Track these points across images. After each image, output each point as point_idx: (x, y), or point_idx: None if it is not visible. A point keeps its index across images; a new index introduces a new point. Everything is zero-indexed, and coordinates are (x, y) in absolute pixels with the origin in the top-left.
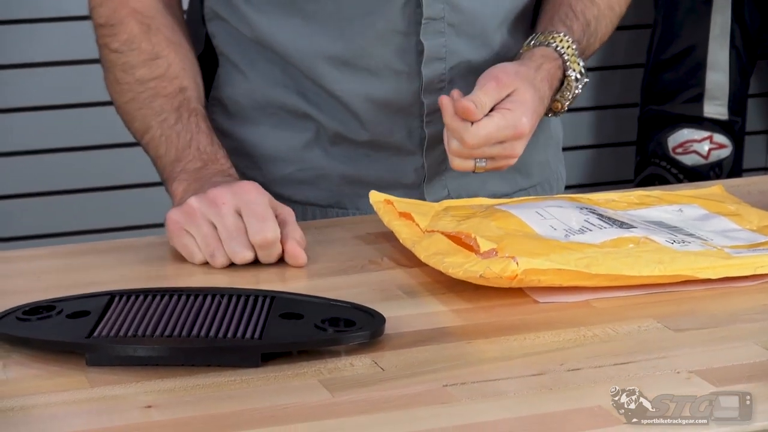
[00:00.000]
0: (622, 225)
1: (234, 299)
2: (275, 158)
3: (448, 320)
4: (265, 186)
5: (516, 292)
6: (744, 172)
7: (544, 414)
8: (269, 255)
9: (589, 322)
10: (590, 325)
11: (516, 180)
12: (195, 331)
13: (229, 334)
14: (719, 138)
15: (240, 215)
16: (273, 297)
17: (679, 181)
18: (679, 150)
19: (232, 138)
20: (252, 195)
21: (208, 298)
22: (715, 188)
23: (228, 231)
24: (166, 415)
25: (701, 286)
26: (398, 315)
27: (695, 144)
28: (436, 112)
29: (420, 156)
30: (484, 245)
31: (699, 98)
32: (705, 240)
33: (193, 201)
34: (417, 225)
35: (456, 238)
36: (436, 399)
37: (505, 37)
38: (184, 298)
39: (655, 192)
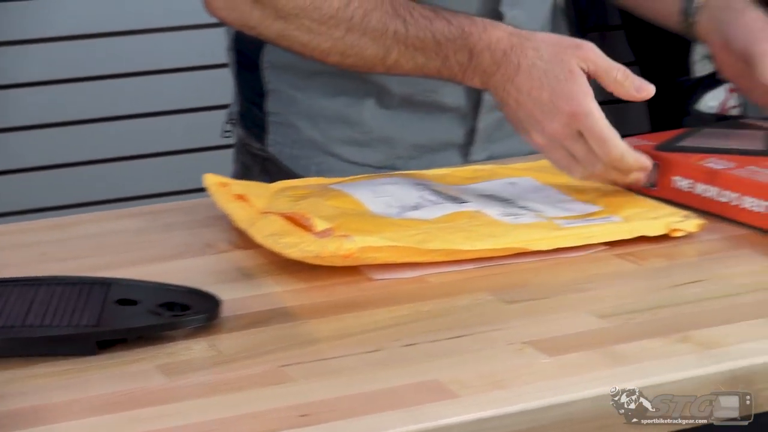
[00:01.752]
0: (456, 200)
1: (70, 287)
2: (334, 119)
3: (284, 300)
4: (323, 146)
5: (352, 270)
6: None
7: (381, 390)
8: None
9: (424, 297)
10: (425, 300)
11: None
12: (30, 321)
13: (65, 323)
14: None
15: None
16: (109, 284)
17: None
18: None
19: (289, 97)
20: (580, 114)
21: (44, 288)
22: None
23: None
24: (3, 407)
25: (534, 258)
26: (235, 297)
27: None
28: None
29: (472, 119)
30: (320, 225)
31: None
32: (537, 212)
33: (537, 138)
34: (252, 206)
35: (292, 219)
36: (273, 380)
37: None
38: (19, 287)
39: (488, 165)
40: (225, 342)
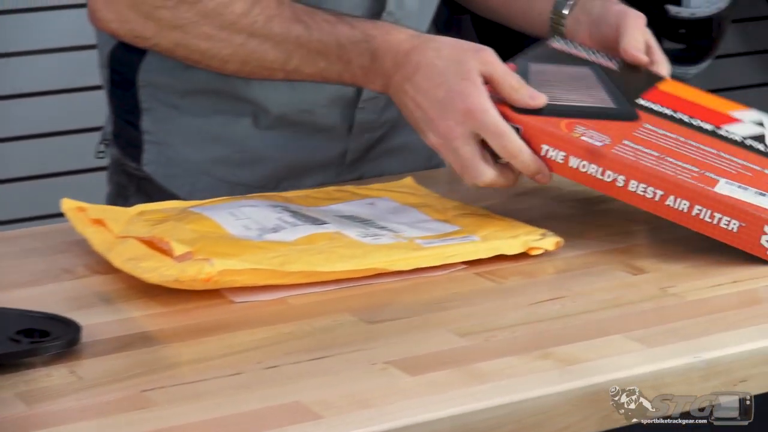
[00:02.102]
0: (315, 221)
1: None
2: (209, 138)
3: (145, 325)
4: (198, 165)
5: (212, 294)
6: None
7: (244, 413)
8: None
9: (286, 319)
10: (286, 322)
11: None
12: None
13: None
14: None
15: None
16: None
17: None
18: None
19: (165, 116)
20: (475, 110)
21: None
22: (405, 180)
23: (467, 164)
24: None
25: (394, 278)
26: (95, 323)
27: None
28: (372, 99)
29: (345, 139)
30: (179, 249)
31: None
32: (397, 232)
33: (431, 137)
34: (110, 231)
35: (150, 243)
36: (134, 405)
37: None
38: None
39: (347, 187)
40: (86, 368)
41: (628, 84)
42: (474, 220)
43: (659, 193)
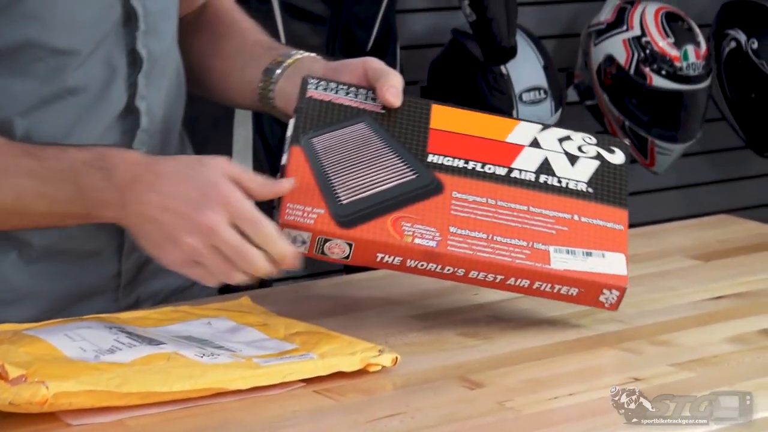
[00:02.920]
0: (152, 342)
1: None
2: None
3: None
4: None
5: (49, 417)
6: (274, 282)
7: None
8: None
9: None
10: None
11: None
12: None
13: None
14: None
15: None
16: None
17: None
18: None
19: None
20: (231, 199)
21: None
22: (242, 300)
23: (235, 251)
24: None
25: (233, 397)
26: None
27: None
28: None
29: (117, 262)
30: (13, 372)
31: None
32: (234, 351)
33: (188, 239)
34: None
35: None
36: None
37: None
38: None
39: (183, 307)
40: None
41: (407, 133)
42: (311, 338)
43: (500, 277)
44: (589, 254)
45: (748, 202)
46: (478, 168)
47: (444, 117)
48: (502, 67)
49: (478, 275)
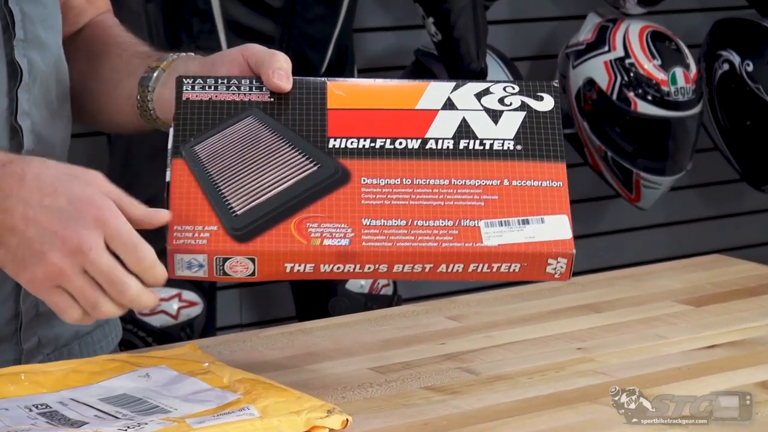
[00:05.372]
0: (73, 424)
1: None
2: None
3: None
4: None
5: None
6: (218, 331)
7: None
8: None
9: None
10: None
11: None
12: None
13: None
14: (188, 295)
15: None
16: None
17: (148, 345)
18: (146, 310)
19: None
20: (108, 217)
21: None
22: (186, 347)
23: (108, 277)
24: None
25: None
26: None
27: (163, 303)
28: None
29: (14, 301)
30: None
31: (164, 252)
32: (167, 412)
33: (53, 257)
34: None
35: None
36: None
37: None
38: None
39: (121, 355)
40: None
41: (302, 119)
42: (256, 387)
43: (428, 266)
44: (525, 222)
45: (744, 241)
46: (388, 145)
47: (343, 94)
48: None
49: (403, 268)
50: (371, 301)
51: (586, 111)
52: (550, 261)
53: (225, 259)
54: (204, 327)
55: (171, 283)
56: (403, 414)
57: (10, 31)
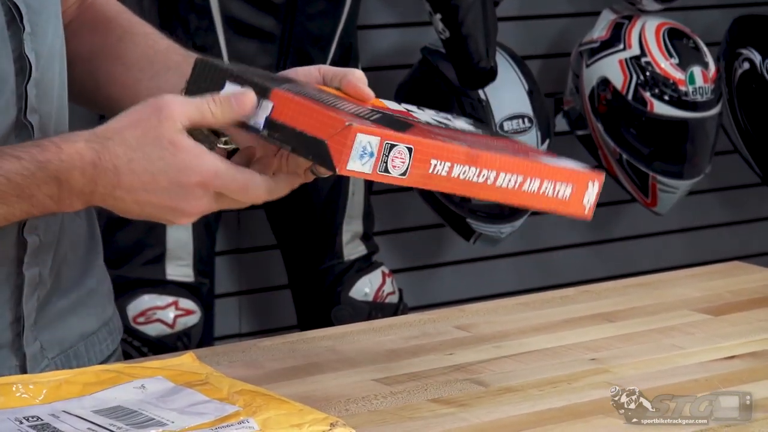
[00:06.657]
0: None
1: None
2: None
3: None
4: None
5: None
6: (216, 340)
7: None
8: None
9: None
10: None
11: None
12: None
13: None
14: (186, 303)
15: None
16: None
17: (144, 355)
18: (141, 319)
19: None
20: (208, 179)
21: None
22: (184, 357)
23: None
24: None
25: None
26: None
27: (159, 311)
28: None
29: (16, 305)
30: None
31: (160, 259)
32: (163, 425)
33: (182, 221)
34: None
35: None
36: None
37: None
38: None
39: (116, 366)
40: None
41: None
42: (256, 399)
43: (519, 179)
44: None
45: (765, 248)
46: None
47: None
48: (480, 92)
49: (504, 179)
50: (375, 310)
51: (600, 112)
52: (589, 184)
53: (392, 146)
54: (202, 336)
55: (167, 290)
56: (409, 427)
57: (17, 24)
